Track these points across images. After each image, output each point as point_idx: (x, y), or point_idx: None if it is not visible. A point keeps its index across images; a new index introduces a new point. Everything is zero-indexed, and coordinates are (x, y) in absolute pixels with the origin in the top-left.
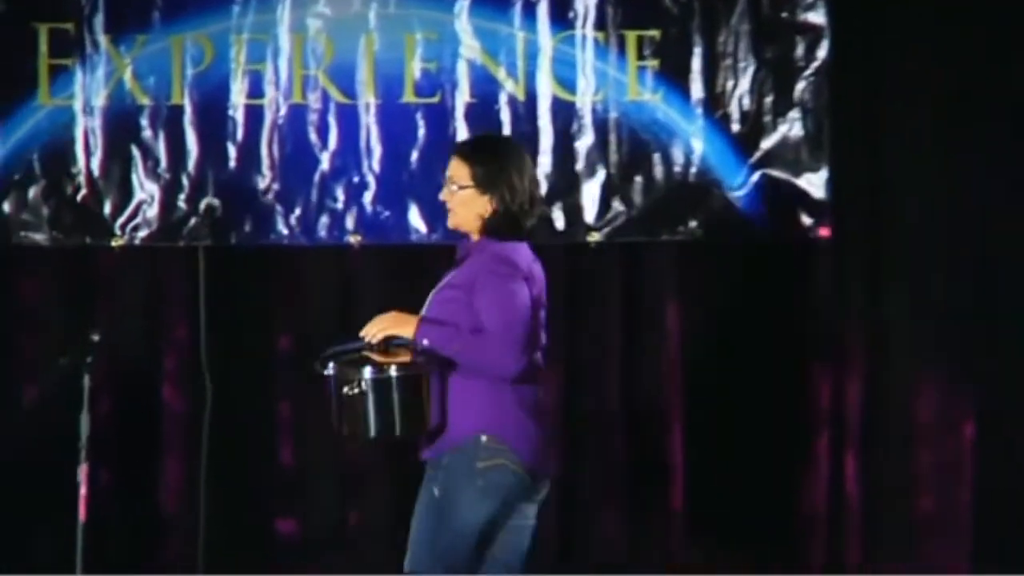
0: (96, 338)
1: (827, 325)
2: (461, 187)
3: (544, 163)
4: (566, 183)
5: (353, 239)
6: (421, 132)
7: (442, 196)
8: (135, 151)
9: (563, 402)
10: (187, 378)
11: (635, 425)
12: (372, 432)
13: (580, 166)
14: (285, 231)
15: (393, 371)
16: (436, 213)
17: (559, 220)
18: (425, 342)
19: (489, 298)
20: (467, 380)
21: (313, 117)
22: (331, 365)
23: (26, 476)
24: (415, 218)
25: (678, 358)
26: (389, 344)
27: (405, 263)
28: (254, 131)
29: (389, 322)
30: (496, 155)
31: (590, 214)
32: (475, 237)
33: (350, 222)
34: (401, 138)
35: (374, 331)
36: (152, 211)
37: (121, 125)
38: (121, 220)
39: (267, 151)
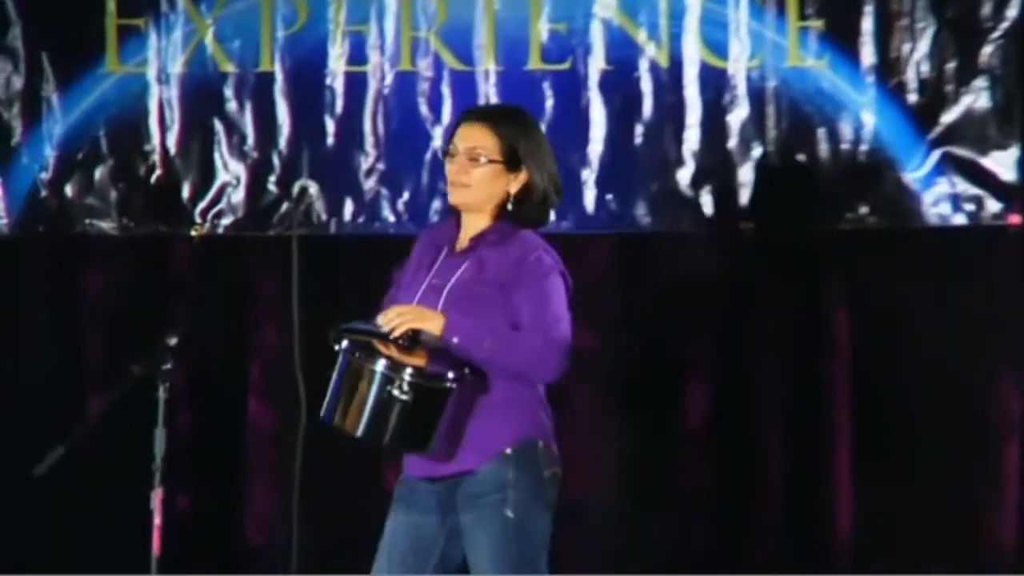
0: (172, 342)
1: (1017, 323)
2: (490, 160)
3: (691, 139)
4: (717, 162)
5: None
6: (549, 104)
7: (453, 170)
8: (218, 126)
9: (712, 415)
10: (277, 389)
11: (795, 440)
12: (360, 431)
13: (733, 143)
14: (392, 218)
15: (408, 376)
16: (568, 197)
17: (707, 205)
18: (455, 340)
19: (535, 292)
20: (496, 381)
21: (424, 86)
22: (346, 343)
23: (93, 500)
24: None
25: (845, 363)
26: (412, 340)
27: None
28: (355, 102)
29: (414, 315)
30: (527, 127)
31: (744, 198)
32: (484, 222)
33: None
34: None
35: (398, 322)
36: (237, 195)
37: (201, 95)
38: (201, 205)
39: (370, 126)
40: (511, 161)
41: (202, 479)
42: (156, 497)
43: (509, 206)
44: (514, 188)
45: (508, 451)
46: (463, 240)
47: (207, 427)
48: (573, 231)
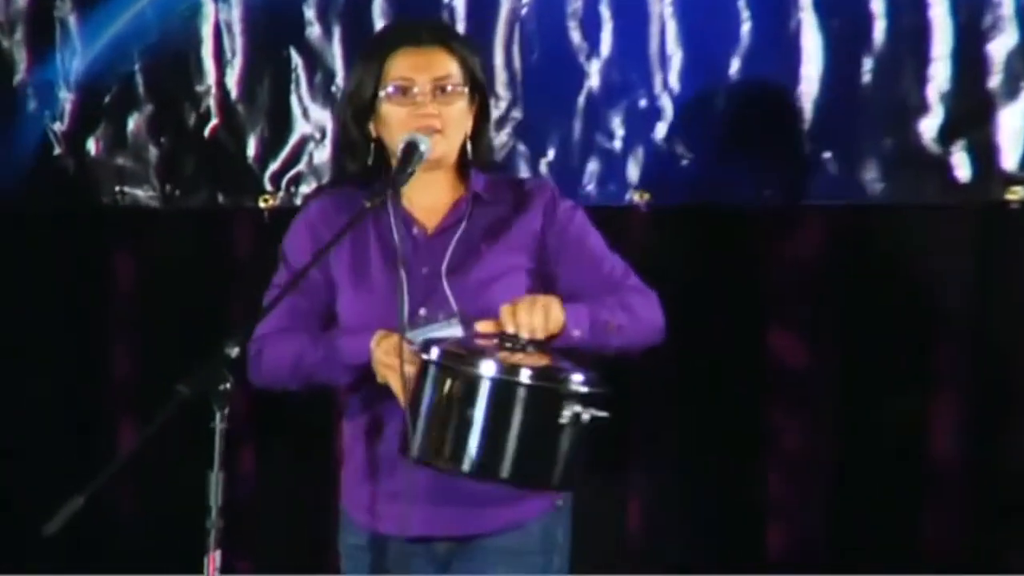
0: (233, 353)
1: None
2: (471, 89)
3: (938, 76)
4: (973, 109)
5: (638, 197)
6: (745, 29)
7: (418, 113)
8: (295, 58)
9: (964, 448)
10: None
11: None
12: (467, 466)
13: (995, 82)
14: None
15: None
16: (770, 157)
17: (961, 167)
18: (576, 334)
19: (584, 250)
20: None
21: (576, 5)
22: (436, 352)
23: (126, 567)
24: (741, 166)
25: None
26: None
27: (712, 231)
28: (483, 27)
29: (552, 305)
30: (472, 41)
31: (1011, 157)
32: (446, 178)
33: (633, 171)
34: (714, 38)
35: (537, 323)
36: (321, 153)
37: (273, 17)
38: (273, 167)
39: (503, 58)
40: (475, 89)
41: (271, 538)
42: (211, 562)
43: (468, 149)
44: (471, 123)
45: (560, 503)
46: (425, 208)
47: (279, 468)
48: (777, 203)
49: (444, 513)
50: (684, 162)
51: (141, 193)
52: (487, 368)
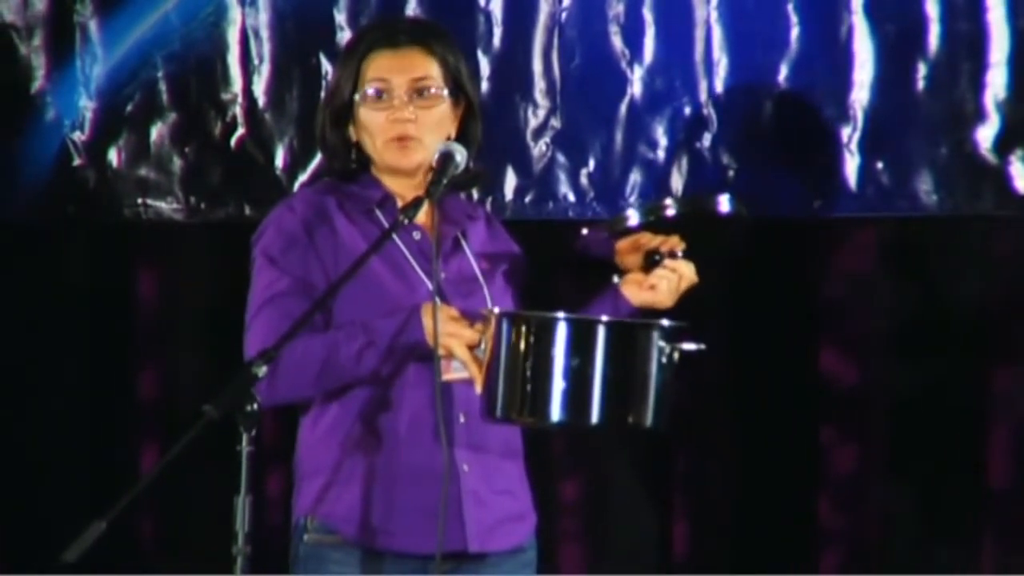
0: (261, 372)
1: None
2: (453, 91)
3: (995, 82)
4: None
5: None
6: (794, 34)
7: (394, 117)
8: (325, 65)
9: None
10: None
11: None
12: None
13: None
14: (572, 196)
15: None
16: (820, 167)
17: (1019, 177)
18: None
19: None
20: None
21: (618, 8)
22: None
23: None
24: (790, 177)
25: None
26: None
27: (759, 244)
28: (521, 32)
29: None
30: (455, 42)
31: None
32: (419, 185)
33: (677, 182)
34: (762, 43)
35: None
36: None
37: (302, 21)
38: (302, 178)
39: (541, 65)
40: (457, 92)
41: None
42: None
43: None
44: (454, 129)
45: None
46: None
47: None
48: (827, 214)
49: (456, 528)
50: (730, 173)
51: (165, 206)
52: (561, 312)
